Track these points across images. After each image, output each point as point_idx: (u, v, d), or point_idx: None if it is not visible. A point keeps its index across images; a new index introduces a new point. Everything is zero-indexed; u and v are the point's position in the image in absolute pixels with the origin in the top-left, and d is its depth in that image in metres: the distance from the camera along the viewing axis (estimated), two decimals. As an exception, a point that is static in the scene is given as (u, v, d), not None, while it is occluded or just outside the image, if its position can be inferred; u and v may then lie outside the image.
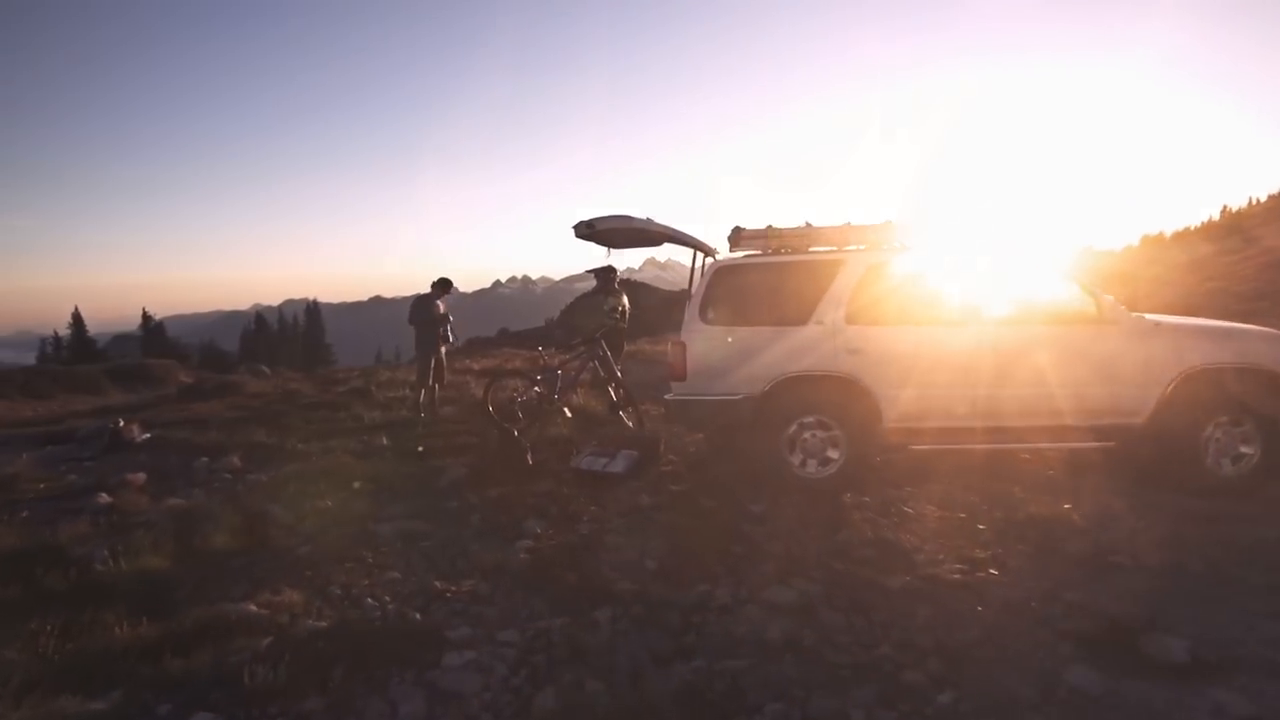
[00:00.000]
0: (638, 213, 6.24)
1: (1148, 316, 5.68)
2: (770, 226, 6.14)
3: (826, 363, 5.66)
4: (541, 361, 8.69)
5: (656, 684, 2.95)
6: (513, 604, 3.75)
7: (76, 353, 47.99)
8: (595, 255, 8.01)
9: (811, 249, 6.07)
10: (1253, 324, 6.04)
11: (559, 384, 7.89)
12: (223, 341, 67.96)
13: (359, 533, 4.94)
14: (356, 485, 6.15)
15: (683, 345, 5.83)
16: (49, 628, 3.38)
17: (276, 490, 6.08)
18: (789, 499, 5.29)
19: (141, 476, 6.53)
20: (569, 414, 8.04)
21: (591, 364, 7.87)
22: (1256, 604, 3.49)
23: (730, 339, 5.82)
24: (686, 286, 6.90)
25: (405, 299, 9.78)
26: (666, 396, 6.00)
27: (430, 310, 9.41)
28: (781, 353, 5.74)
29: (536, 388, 7.95)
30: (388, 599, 3.85)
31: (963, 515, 4.94)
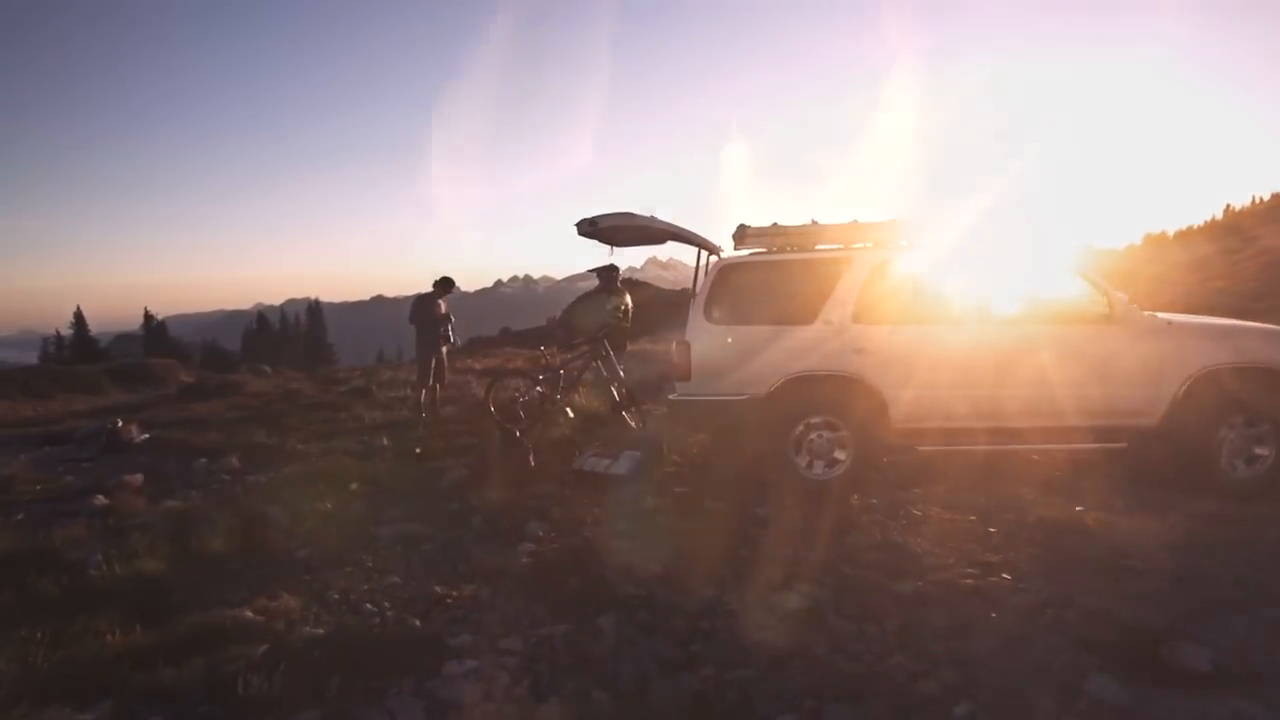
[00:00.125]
0: (641, 210, 6.14)
1: (1160, 315, 5.58)
2: (775, 224, 6.05)
3: (833, 362, 5.57)
4: (543, 361, 8.60)
5: (664, 694, 2.87)
6: (515, 610, 3.66)
7: (78, 352, 47.99)
8: (598, 254, 7.92)
9: (817, 247, 5.98)
10: (1262, 324, 5.94)
11: (561, 384, 7.81)
12: (225, 341, 67.97)
13: (358, 535, 4.86)
14: (354, 487, 6.06)
15: (687, 344, 5.74)
16: (39, 635, 3.31)
17: (275, 492, 6.00)
18: (795, 501, 5.19)
19: (139, 478, 6.45)
20: (571, 414, 7.96)
21: (594, 364, 7.79)
22: (1278, 611, 3.40)
23: (735, 338, 5.73)
24: (690, 285, 6.81)
25: (407, 298, 9.69)
26: (670, 396, 5.91)
27: (431, 310, 9.31)
28: (787, 352, 5.65)
29: (538, 388, 7.87)
30: (387, 605, 3.77)
31: (972, 518, 4.84)
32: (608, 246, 7.36)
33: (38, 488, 6.43)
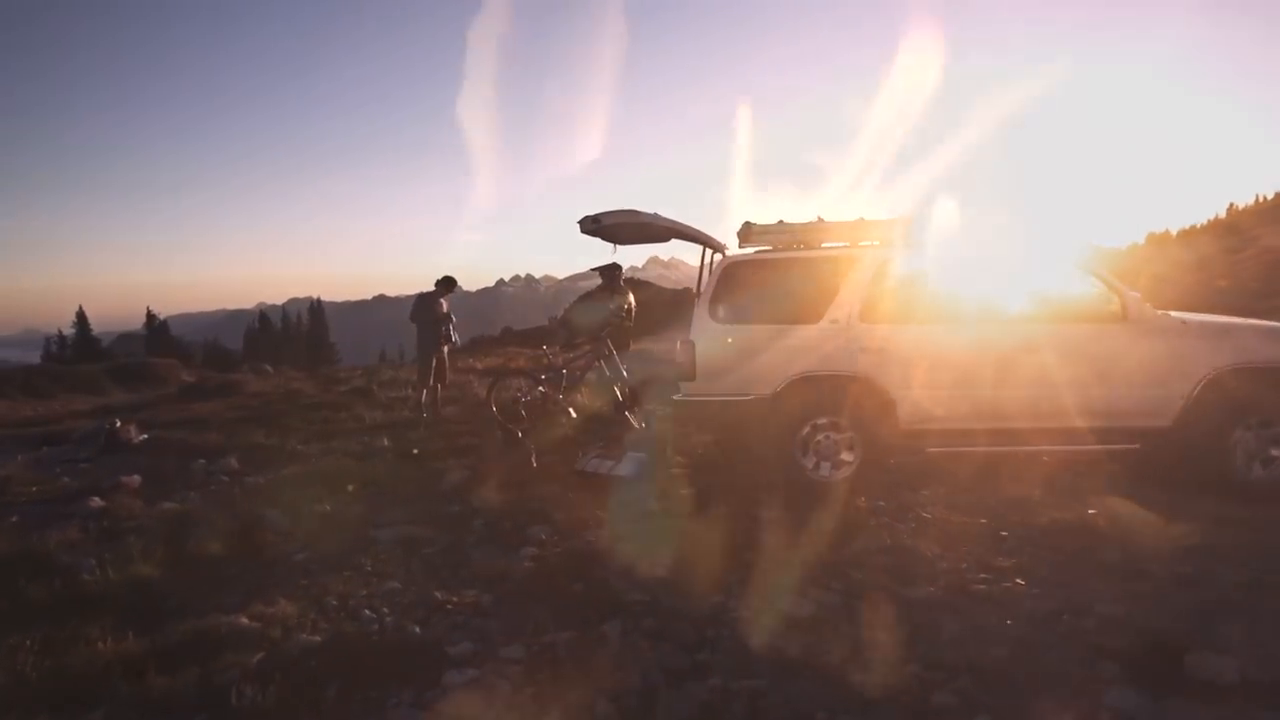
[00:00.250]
0: (644, 208, 6.05)
1: (1173, 314, 5.48)
2: (781, 221, 5.97)
3: (840, 362, 5.48)
4: (546, 360, 8.52)
5: (671, 704, 2.78)
6: (517, 616, 3.57)
7: (80, 352, 48.04)
8: (600, 254, 7.84)
9: (824, 245, 5.89)
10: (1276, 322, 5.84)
11: (564, 383, 7.72)
12: (227, 340, 68.02)
13: (358, 539, 4.77)
14: (350, 488, 5.98)
15: (691, 344, 5.65)
16: (29, 642, 3.22)
17: (274, 493, 5.93)
18: (802, 503, 5.10)
19: (136, 479, 6.37)
20: (574, 414, 7.87)
21: (597, 363, 7.70)
22: (1303, 618, 3.31)
23: (740, 337, 5.64)
24: (695, 284, 6.73)
25: (409, 298, 9.63)
26: (675, 397, 5.82)
27: (433, 309, 9.24)
28: (793, 352, 5.56)
29: (541, 387, 7.79)
30: (386, 611, 3.67)
31: (983, 521, 4.75)
32: (611, 245, 7.29)
33: (34, 489, 6.35)
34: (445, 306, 9.39)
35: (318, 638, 3.36)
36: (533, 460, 6.49)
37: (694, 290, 6.84)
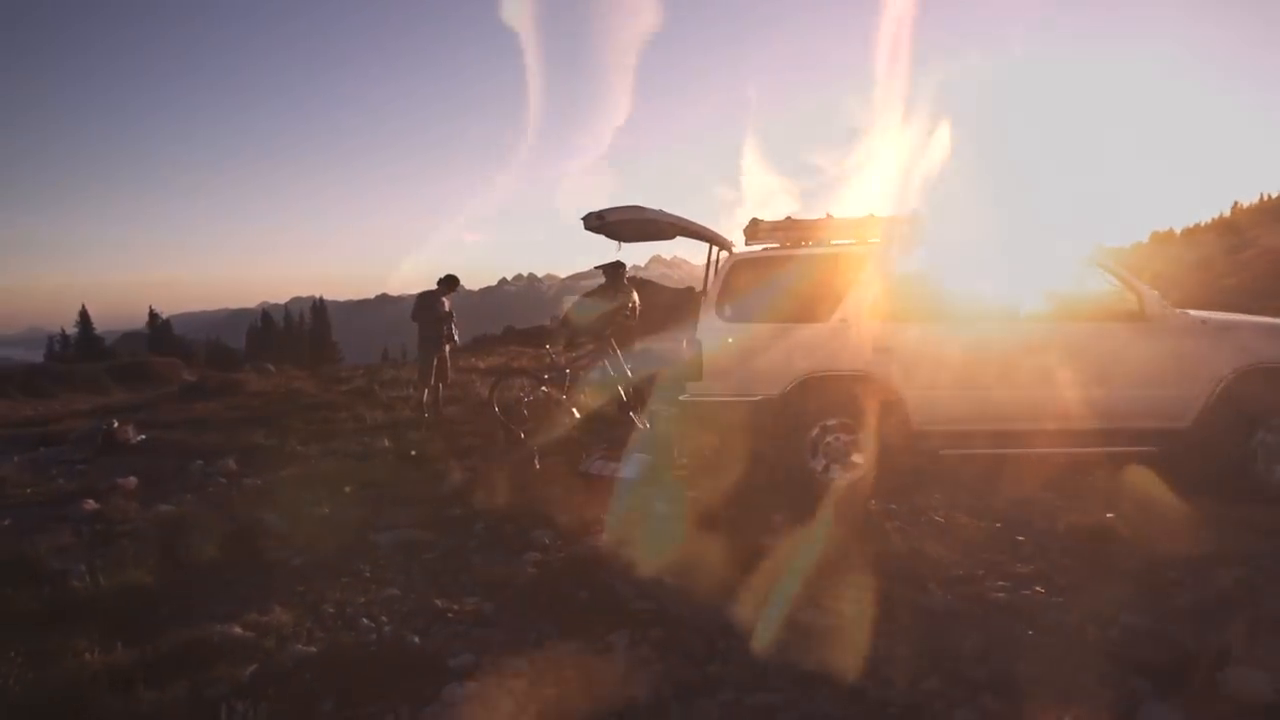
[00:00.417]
0: (649, 205, 5.92)
1: (1191, 313, 5.35)
2: (789, 218, 5.84)
3: (851, 362, 5.35)
4: (549, 360, 8.40)
5: (681, 721, 2.65)
6: (520, 626, 3.44)
7: (83, 351, 48.05)
8: (602, 253, 7.73)
9: (833, 242, 5.76)
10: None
11: (567, 383, 7.61)
12: (230, 339, 68.08)
13: (357, 543, 4.66)
14: (348, 490, 5.87)
15: (698, 343, 5.53)
16: (13, 653, 3.10)
17: (272, 496, 5.82)
18: (812, 506, 4.97)
19: (133, 481, 6.26)
20: (577, 415, 7.75)
21: (601, 362, 7.57)
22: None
23: (748, 337, 5.52)
24: (697, 283, 6.61)
25: (412, 297, 9.55)
26: (681, 397, 5.70)
27: (435, 307, 9.14)
28: (802, 351, 5.44)
29: (544, 387, 7.67)
30: (384, 619, 3.55)
31: (998, 525, 4.62)
32: (615, 242, 7.16)
33: (28, 491, 6.24)
34: (447, 305, 9.29)
35: (313, 648, 3.24)
36: (535, 462, 6.38)
37: (696, 289, 6.73)
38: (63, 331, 53.91)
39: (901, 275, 5.46)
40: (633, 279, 8.73)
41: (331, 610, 3.66)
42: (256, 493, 6.01)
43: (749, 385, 5.48)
